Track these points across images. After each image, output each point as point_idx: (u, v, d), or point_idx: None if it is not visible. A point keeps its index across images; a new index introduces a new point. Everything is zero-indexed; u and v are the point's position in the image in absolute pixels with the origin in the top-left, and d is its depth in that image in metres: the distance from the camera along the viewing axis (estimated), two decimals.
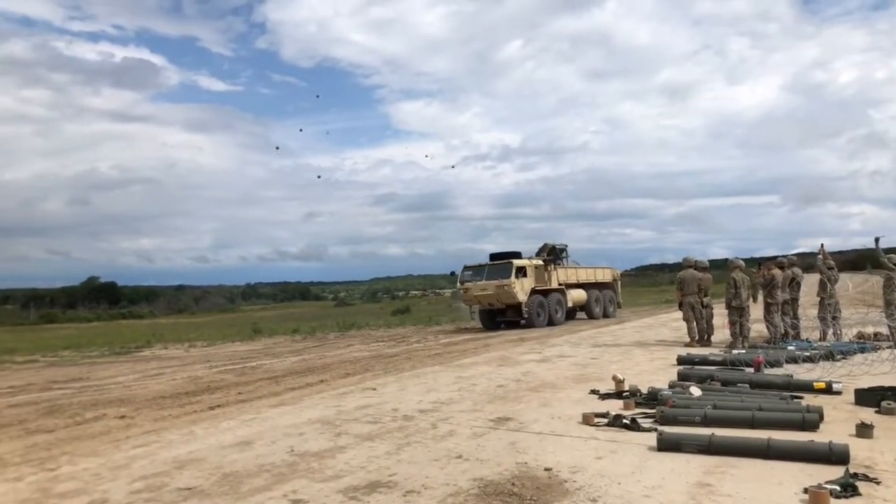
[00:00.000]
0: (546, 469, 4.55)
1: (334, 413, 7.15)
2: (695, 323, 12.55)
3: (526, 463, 4.74)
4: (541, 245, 23.02)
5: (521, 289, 20.02)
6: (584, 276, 23.82)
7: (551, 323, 20.89)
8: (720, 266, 26.37)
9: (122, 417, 7.80)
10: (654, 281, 72.75)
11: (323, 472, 4.78)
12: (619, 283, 26.24)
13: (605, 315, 23.96)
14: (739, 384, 7.15)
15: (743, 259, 12.54)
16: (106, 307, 71.62)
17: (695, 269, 13.02)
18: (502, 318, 21.26)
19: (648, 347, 12.44)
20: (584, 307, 23.39)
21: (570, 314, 23.32)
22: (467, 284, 21.23)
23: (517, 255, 21.23)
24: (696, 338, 12.48)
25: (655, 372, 8.99)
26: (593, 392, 7.49)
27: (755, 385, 7.12)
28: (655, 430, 5.26)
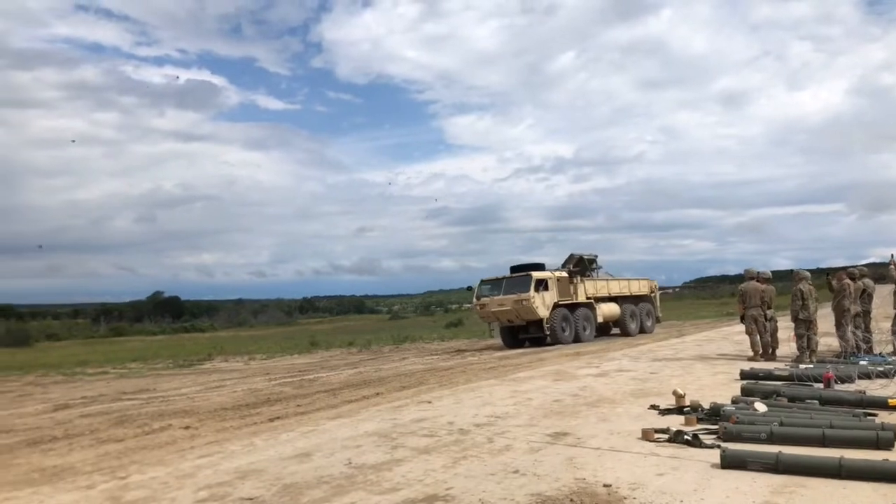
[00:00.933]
0: (605, 485, 4.47)
1: (390, 426, 7.20)
2: (758, 336, 12.13)
3: (584, 479, 4.66)
4: (567, 256, 21.57)
5: (543, 303, 18.69)
6: (617, 288, 22.13)
7: (578, 340, 19.38)
8: (783, 277, 25.41)
9: (187, 428, 8.04)
10: (714, 293, 70.86)
11: (380, 484, 4.82)
12: (658, 295, 24.40)
13: (642, 330, 22.25)
14: (808, 400, 6.87)
15: (808, 270, 12.09)
16: (170, 321, 74.17)
17: (757, 280, 12.61)
18: (524, 334, 19.73)
19: (710, 361, 12.10)
20: (617, 322, 21.86)
21: (604, 330, 21.99)
22: (484, 300, 19.76)
23: (539, 267, 19.98)
24: (760, 352, 12.06)
25: (717, 387, 8.73)
26: (653, 407, 7.32)
27: (825, 401, 6.83)
28: (718, 446, 5.11)
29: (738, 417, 5.86)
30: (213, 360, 22.22)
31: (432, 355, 18.56)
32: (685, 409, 6.89)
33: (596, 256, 22.02)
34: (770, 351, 12.14)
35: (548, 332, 18.78)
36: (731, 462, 4.70)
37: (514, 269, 20.13)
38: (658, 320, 23.77)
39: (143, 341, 46.65)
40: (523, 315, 18.87)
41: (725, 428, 5.58)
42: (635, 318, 22.05)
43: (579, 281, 20.29)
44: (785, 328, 12.48)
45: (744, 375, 9.07)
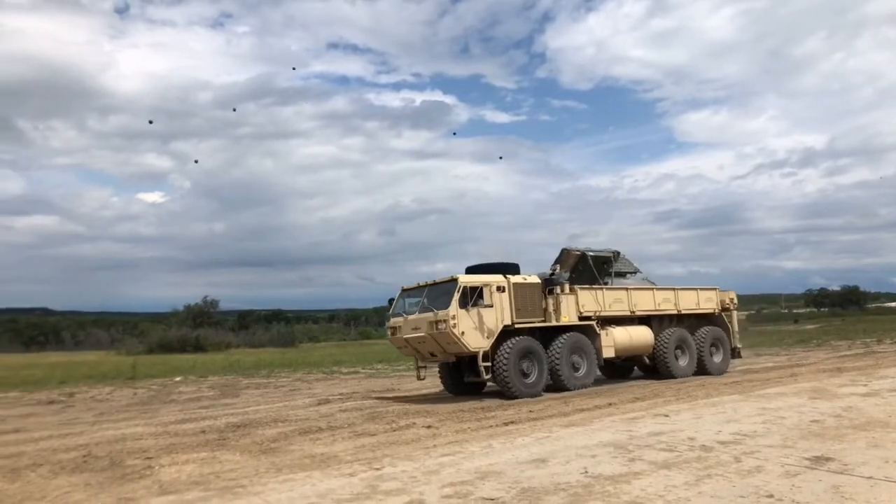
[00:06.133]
0: None
1: (626, 437, 7.03)
2: None
3: None
4: (559, 252, 14.81)
5: (474, 327, 11.67)
6: (650, 302, 14.51)
7: (560, 386, 12.30)
8: None
9: (429, 427, 8.62)
10: None
11: (618, 496, 4.72)
12: (736, 313, 16.32)
13: (703, 370, 14.61)
14: None
15: None
16: None
17: None
18: (471, 376, 12.37)
19: None
20: (653, 356, 14.42)
21: (648, 369, 14.94)
22: (397, 320, 12.83)
23: (512, 269, 13.03)
24: None
25: None
26: None
27: None
28: None
29: None
30: None
31: None
32: None
33: (615, 254, 15.19)
34: None
35: (488, 377, 11.78)
36: None
37: (470, 270, 13.07)
38: (736, 353, 16.10)
39: (385, 344, 50.82)
40: (444, 346, 11.94)
41: None
42: (687, 349, 14.54)
43: (566, 291, 13.18)
44: None
45: None
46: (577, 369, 12.62)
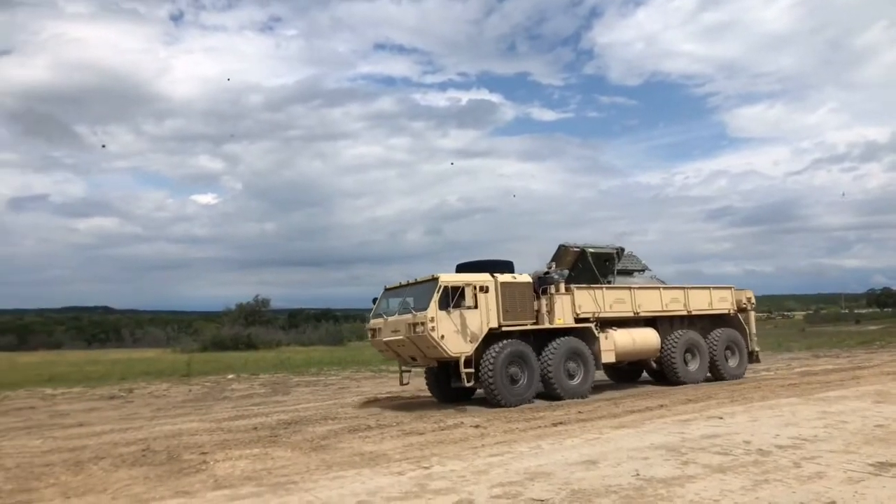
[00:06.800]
0: None
1: (678, 440, 6.88)
2: None
3: None
4: (557, 248, 13.70)
5: (456, 330, 10.86)
6: (657, 302, 13.43)
7: (553, 395, 11.40)
8: None
9: (477, 427, 8.60)
10: None
11: (672, 500, 4.63)
12: (754, 314, 15.31)
13: (717, 375, 13.77)
14: None
15: None
16: None
17: None
18: (457, 382, 11.20)
19: None
20: (660, 360, 13.41)
21: (656, 374, 14.08)
22: (377, 322, 12.11)
23: (505, 267, 12.14)
24: None
25: None
26: None
27: None
28: None
29: None
30: None
31: None
32: None
33: (619, 251, 14.10)
34: None
35: (469, 382, 10.89)
36: None
37: (460, 268, 12.36)
38: (754, 356, 14.93)
39: None
40: (424, 350, 11.18)
41: None
42: (698, 353, 13.56)
43: (561, 291, 12.17)
44: None
45: None
46: (572, 376, 11.68)
